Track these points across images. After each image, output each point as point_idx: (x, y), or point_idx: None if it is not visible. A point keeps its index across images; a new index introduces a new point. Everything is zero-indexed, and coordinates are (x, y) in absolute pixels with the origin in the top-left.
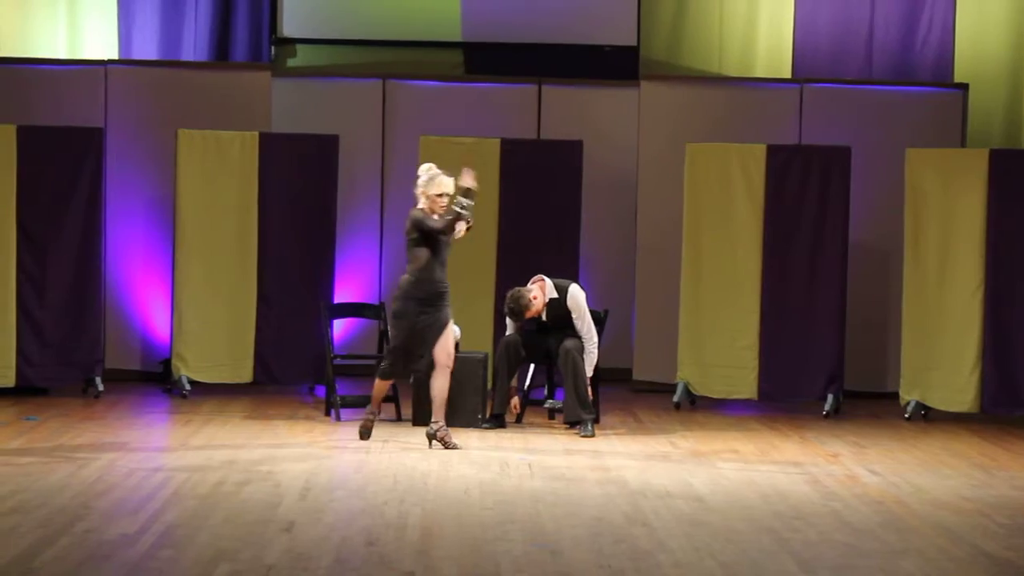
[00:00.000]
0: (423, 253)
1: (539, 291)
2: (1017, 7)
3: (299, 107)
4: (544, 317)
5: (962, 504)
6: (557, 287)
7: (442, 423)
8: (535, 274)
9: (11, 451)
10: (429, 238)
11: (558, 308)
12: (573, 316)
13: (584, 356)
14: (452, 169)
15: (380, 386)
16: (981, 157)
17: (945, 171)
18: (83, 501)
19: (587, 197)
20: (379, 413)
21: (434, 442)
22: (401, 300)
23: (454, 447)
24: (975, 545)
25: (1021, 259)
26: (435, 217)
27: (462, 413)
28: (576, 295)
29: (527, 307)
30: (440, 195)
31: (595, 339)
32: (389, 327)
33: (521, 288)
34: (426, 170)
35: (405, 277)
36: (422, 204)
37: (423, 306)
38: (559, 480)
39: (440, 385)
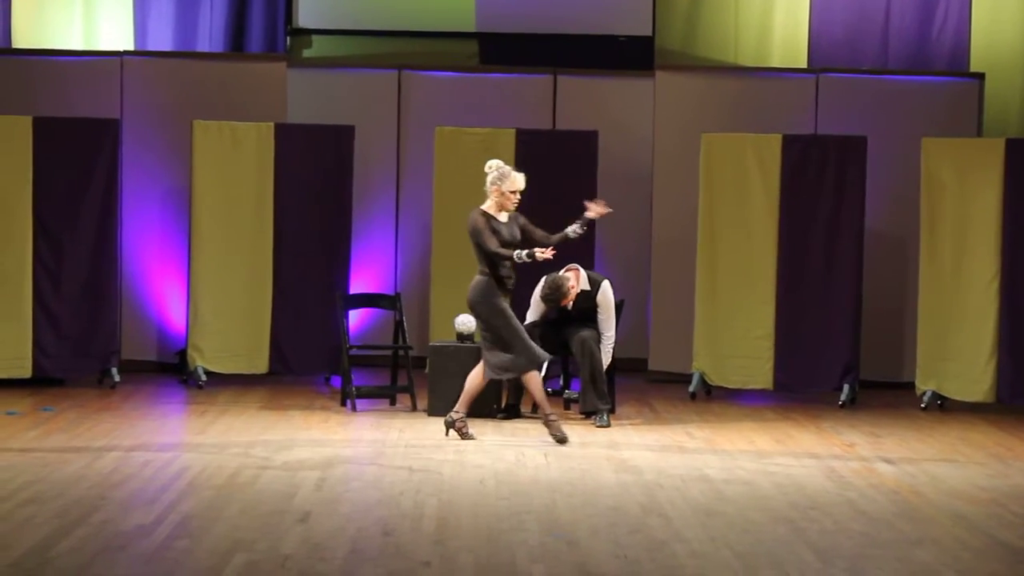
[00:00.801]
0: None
1: (575, 279)
2: None
3: (315, 98)
4: (547, 304)
5: (978, 494)
6: (591, 279)
7: (463, 413)
8: (551, 263)
9: (27, 442)
10: (499, 239)
11: (585, 301)
12: (599, 311)
13: (600, 350)
14: (467, 158)
15: (537, 381)
16: (997, 147)
17: (961, 161)
18: (99, 492)
19: (602, 187)
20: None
21: (451, 431)
22: (488, 302)
23: (470, 438)
24: (991, 535)
25: None
26: (503, 217)
27: (477, 403)
28: (608, 292)
29: (566, 294)
30: (514, 192)
31: (614, 339)
32: (492, 331)
33: (558, 275)
34: (497, 167)
35: (480, 279)
36: (491, 202)
37: (506, 300)
38: (575, 470)
39: (475, 377)
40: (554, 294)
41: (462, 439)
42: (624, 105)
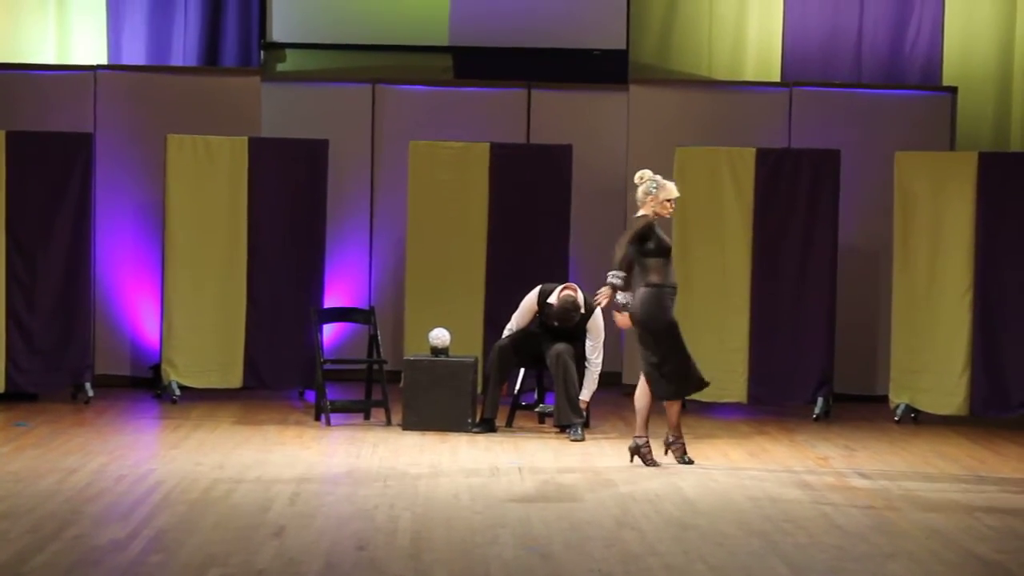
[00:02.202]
0: (657, 262)
1: (575, 293)
2: (1005, 10)
3: (289, 112)
4: (557, 322)
5: (952, 507)
6: (586, 303)
7: (646, 437)
8: (525, 278)
9: (0, 457)
10: (661, 247)
11: (576, 322)
12: (589, 337)
13: (584, 377)
14: (441, 172)
15: (675, 408)
16: (970, 160)
17: (934, 174)
18: (73, 507)
19: (577, 201)
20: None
21: (635, 457)
22: (661, 312)
23: (653, 464)
24: (965, 548)
25: (1010, 262)
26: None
27: (451, 418)
28: (600, 320)
29: (579, 306)
30: (670, 200)
31: (600, 366)
32: (656, 345)
33: (575, 297)
34: (650, 177)
35: (651, 290)
36: (647, 210)
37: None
38: (549, 484)
39: (644, 396)
40: (566, 315)
41: (646, 465)
42: (598, 119)
